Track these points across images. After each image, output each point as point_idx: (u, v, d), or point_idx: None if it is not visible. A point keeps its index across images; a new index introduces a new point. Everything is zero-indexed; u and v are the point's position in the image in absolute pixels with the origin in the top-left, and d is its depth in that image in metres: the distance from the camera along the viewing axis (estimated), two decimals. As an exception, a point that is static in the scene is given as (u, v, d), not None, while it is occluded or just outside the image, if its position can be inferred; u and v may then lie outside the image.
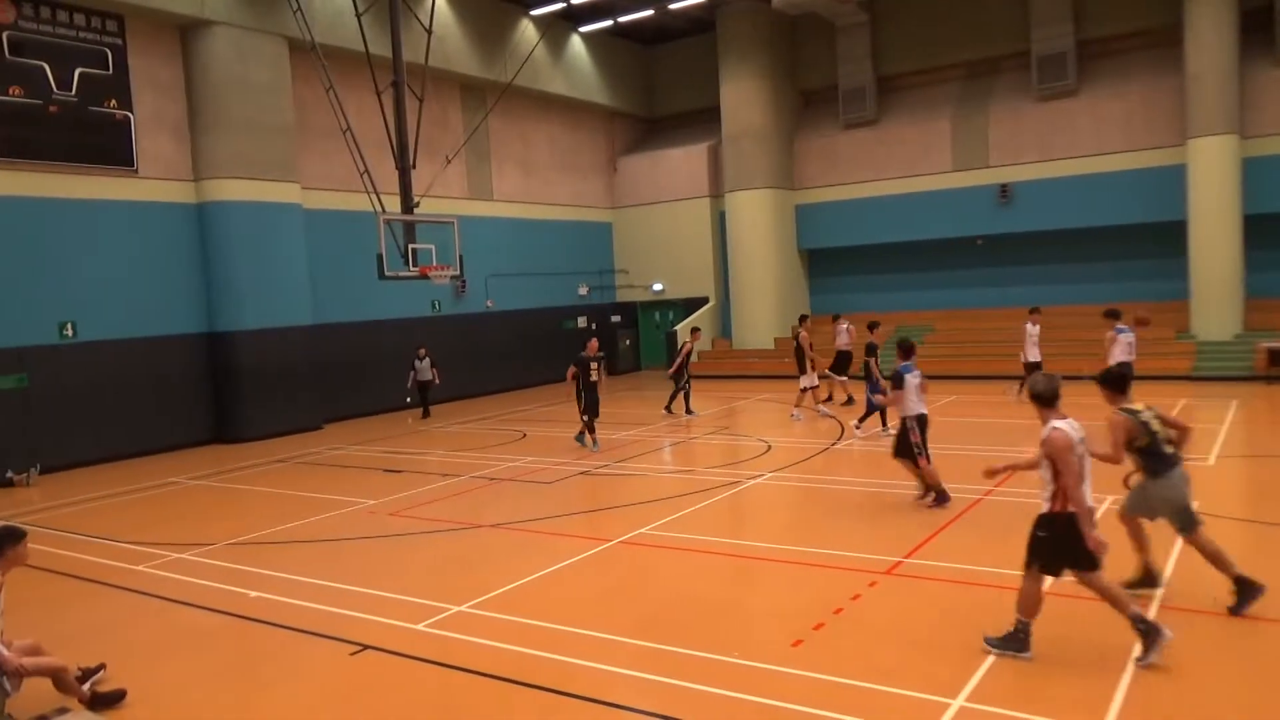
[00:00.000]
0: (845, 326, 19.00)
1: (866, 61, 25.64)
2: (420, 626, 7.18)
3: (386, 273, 17.32)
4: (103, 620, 8.02)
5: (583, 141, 28.69)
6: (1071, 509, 5.75)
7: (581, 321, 28.05)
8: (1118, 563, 6.80)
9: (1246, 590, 6.47)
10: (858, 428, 15.01)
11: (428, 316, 23.23)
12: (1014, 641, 5.95)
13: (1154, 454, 6.57)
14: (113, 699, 6.05)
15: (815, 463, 13.12)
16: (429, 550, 9.66)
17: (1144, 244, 22.81)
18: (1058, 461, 5.75)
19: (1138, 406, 6.66)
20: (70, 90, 16.34)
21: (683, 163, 28.50)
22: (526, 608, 7.45)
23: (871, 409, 14.53)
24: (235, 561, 9.50)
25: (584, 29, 26.84)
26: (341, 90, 18.36)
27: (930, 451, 10.15)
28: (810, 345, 17.38)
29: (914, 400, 10.22)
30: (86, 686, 6.04)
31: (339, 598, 8.00)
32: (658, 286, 29.18)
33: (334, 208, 20.65)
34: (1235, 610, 6.44)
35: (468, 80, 23.81)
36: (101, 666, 6.35)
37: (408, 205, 18.62)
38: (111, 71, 16.96)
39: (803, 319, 18.93)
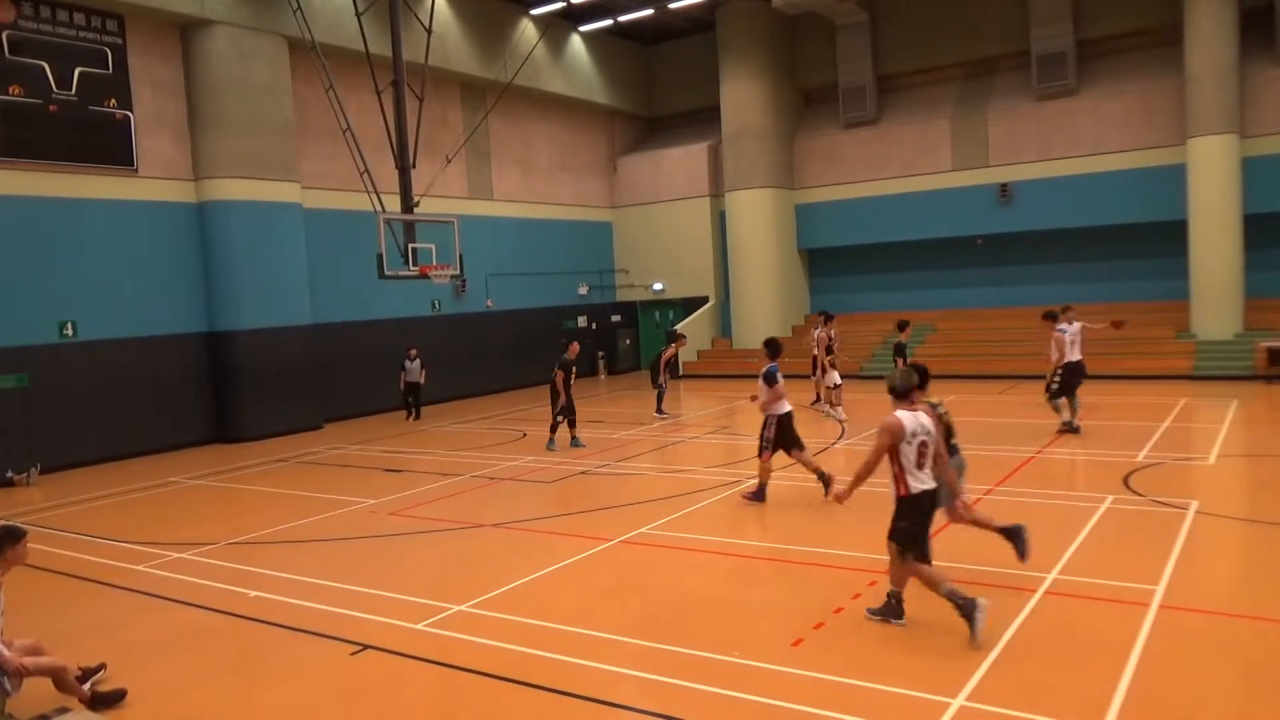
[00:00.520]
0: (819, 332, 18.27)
1: (866, 61, 25.63)
2: (420, 626, 7.18)
3: (386, 272, 17.30)
4: (103, 620, 8.02)
5: (582, 141, 28.68)
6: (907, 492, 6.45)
7: (582, 321, 28.07)
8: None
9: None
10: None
11: (428, 316, 23.23)
12: (889, 610, 6.63)
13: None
14: (113, 699, 6.05)
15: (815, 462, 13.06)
16: (429, 550, 9.66)
17: (1144, 243, 22.82)
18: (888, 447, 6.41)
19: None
20: (70, 90, 16.34)
21: (683, 162, 28.49)
22: (526, 607, 7.45)
23: None
24: (235, 561, 9.50)
25: (584, 28, 26.84)
26: (341, 90, 18.37)
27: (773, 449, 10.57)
28: (826, 345, 17.14)
29: (786, 401, 10.75)
30: (87, 686, 6.04)
31: (339, 597, 8.00)
32: (658, 286, 29.18)
33: (334, 207, 20.65)
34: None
35: (468, 80, 23.81)
36: (102, 666, 6.35)
37: (408, 205, 18.61)
38: (111, 71, 16.95)
39: (828, 318, 17.87)
